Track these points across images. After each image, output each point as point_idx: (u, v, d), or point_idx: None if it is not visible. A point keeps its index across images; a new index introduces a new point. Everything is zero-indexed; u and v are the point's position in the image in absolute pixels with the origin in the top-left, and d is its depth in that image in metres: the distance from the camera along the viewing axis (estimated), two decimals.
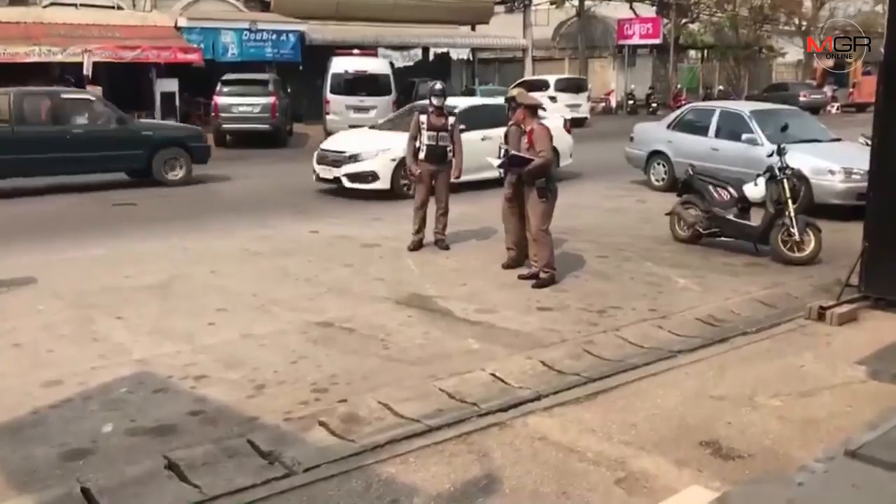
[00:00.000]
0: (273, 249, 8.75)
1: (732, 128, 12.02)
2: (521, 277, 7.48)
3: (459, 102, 12.90)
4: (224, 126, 20.51)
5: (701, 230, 8.88)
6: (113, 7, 24.47)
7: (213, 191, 13.71)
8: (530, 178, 7.19)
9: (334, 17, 27.47)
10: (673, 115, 14.08)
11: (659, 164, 13.40)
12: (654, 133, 13.92)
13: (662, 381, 5.03)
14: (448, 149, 8.61)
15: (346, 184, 12.10)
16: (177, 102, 23.47)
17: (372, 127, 14.32)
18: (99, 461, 4.00)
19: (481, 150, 9.78)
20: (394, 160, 11.73)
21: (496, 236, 8.79)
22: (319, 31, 26.29)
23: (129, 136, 13.60)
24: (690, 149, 12.38)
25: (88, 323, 6.18)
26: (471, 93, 26.31)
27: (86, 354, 5.50)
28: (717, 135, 12.24)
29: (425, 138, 8.54)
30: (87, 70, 20.26)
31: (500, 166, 7.48)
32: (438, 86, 8.83)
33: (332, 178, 12.35)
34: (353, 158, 12.12)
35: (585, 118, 28.34)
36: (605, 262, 8.24)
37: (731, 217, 8.64)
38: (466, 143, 9.10)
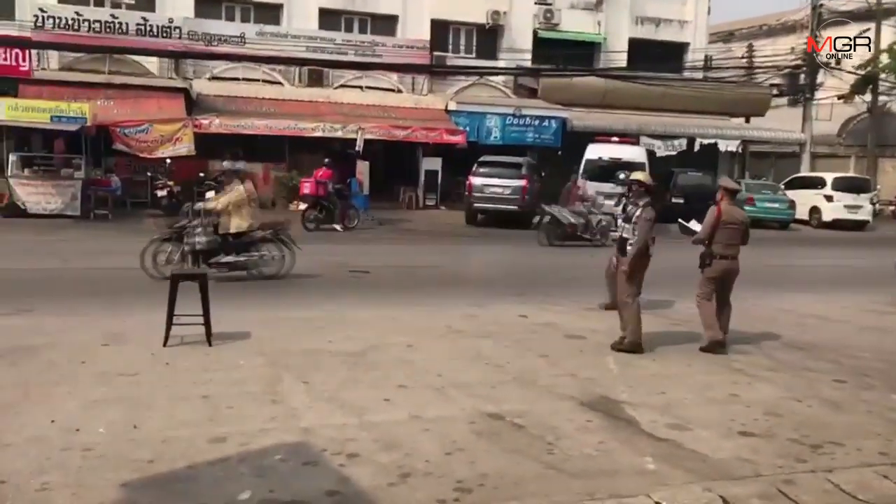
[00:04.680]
0: (475, 329, 8.61)
1: None
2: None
3: None
4: (476, 205, 21.15)
5: None
6: (393, 90, 26.53)
7: (446, 265, 13.97)
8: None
9: (600, 105, 27.48)
10: None
11: None
12: None
13: None
14: (630, 242, 7.97)
15: None
16: (439, 180, 24.76)
17: None
18: None
19: None
20: None
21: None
22: (582, 119, 26.41)
23: None
24: None
25: (276, 383, 6.39)
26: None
27: (260, 415, 5.64)
28: None
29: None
30: (360, 146, 21.97)
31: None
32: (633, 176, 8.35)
33: None
34: None
35: (867, 221, 25.67)
36: (840, 387, 7.05)
37: None
38: None
